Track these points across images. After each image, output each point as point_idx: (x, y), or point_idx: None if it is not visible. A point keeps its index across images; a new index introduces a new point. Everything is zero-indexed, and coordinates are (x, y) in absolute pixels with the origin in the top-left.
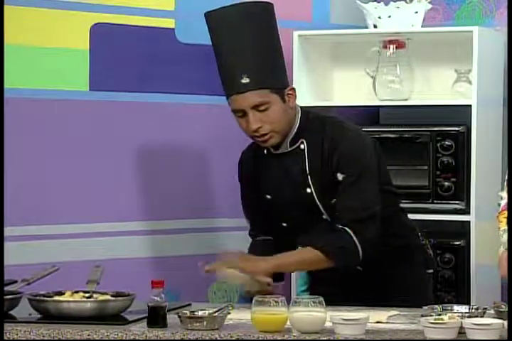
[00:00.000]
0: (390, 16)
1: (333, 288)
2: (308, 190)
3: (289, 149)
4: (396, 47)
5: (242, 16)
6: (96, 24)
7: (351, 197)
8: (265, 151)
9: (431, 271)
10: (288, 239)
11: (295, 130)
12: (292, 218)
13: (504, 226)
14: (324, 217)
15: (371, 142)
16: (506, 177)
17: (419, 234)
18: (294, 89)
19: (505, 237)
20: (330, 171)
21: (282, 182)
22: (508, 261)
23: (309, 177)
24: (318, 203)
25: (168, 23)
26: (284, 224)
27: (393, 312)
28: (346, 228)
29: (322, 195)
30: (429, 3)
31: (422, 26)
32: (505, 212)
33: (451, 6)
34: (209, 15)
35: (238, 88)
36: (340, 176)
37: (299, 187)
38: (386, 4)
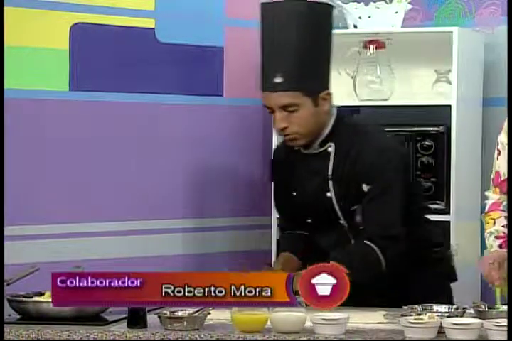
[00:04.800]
0: (370, 17)
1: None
2: (328, 194)
3: (318, 151)
4: (376, 48)
5: (293, 15)
6: (76, 24)
7: (379, 211)
8: (296, 148)
9: (453, 283)
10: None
11: (326, 133)
12: (315, 216)
13: (490, 227)
14: (341, 222)
15: (402, 155)
16: (492, 176)
17: (444, 245)
18: (330, 94)
19: (491, 239)
20: (353, 179)
21: (307, 182)
22: (508, 259)
23: (331, 181)
24: (337, 209)
25: (149, 23)
26: (309, 220)
27: (382, 312)
28: (373, 245)
29: (342, 201)
30: (409, 3)
31: (401, 27)
32: (492, 213)
33: (431, 6)
34: (262, 7)
35: (269, 86)
36: (365, 187)
37: (320, 190)
38: (366, 4)
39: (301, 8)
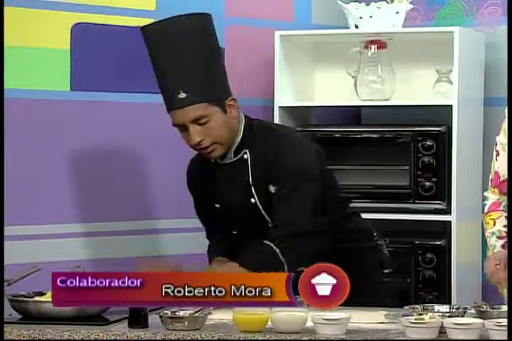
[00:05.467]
0: (371, 16)
1: None
2: (253, 200)
3: (233, 159)
4: (377, 48)
5: (177, 30)
6: (77, 24)
7: (284, 211)
8: (212, 160)
9: (388, 270)
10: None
11: (239, 140)
12: (241, 226)
13: (491, 228)
14: (270, 225)
15: (314, 151)
16: (491, 177)
17: (375, 234)
18: (235, 100)
19: (493, 240)
20: (265, 181)
21: (228, 192)
22: (508, 259)
23: (253, 187)
24: (263, 212)
25: (149, 23)
26: (234, 232)
27: (383, 312)
28: (272, 244)
29: (266, 205)
30: (410, 3)
31: (403, 26)
32: (492, 214)
33: (432, 6)
34: (144, 30)
35: (176, 104)
36: (272, 188)
37: (243, 197)
38: (367, 4)
39: (184, 22)
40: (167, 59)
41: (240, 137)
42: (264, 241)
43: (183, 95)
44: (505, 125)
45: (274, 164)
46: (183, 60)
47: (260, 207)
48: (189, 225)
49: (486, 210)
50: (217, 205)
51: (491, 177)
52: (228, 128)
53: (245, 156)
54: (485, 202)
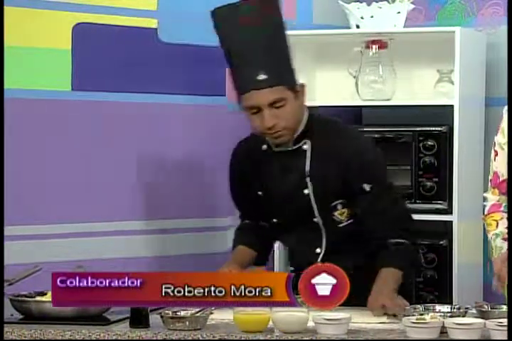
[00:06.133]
0: (372, 16)
1: None
2: (306, 192)
3: (292, 148)
4: (378, 48)
5: (253, 13)
6: (78, 24)
7: (392, 207)
8: (264, 147)
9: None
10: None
11: (301, 129)
12: (283, 215)
13: (494, 230)
14: (315, 220)
15: (379, 149)
16: (490, 177)
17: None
18: (304, 86)
19: (498, 241)
20: (342, 178)
21: (279, 180)
22: (508, 261)
23: (309, 178)
24: (314, 205)
25: (151, 23)
26: (275, 220)
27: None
28: (407, 242)
29: (319, 198)
30: (412, 3)
31: (404, 26)
32: (493, 215)
33: (434, 6)
34: (217, 12)
35: (255, 85)
36: (367, 186)
37: (296, 187)
38: (368, 4)
39: (257, 5)
40: (244, 40)
41: (303, 127)
42: (391, 241)
43: (262, 76)
44: (503, 125)
45: (353, 161)
46: (263, 42)
47: (312, 199)
48: (191, 225)
49: (486, 211)
50: (260, 193)
51: (490, 178)
52: (297, 115)
53: (305, 147)
54: (485, 203)
